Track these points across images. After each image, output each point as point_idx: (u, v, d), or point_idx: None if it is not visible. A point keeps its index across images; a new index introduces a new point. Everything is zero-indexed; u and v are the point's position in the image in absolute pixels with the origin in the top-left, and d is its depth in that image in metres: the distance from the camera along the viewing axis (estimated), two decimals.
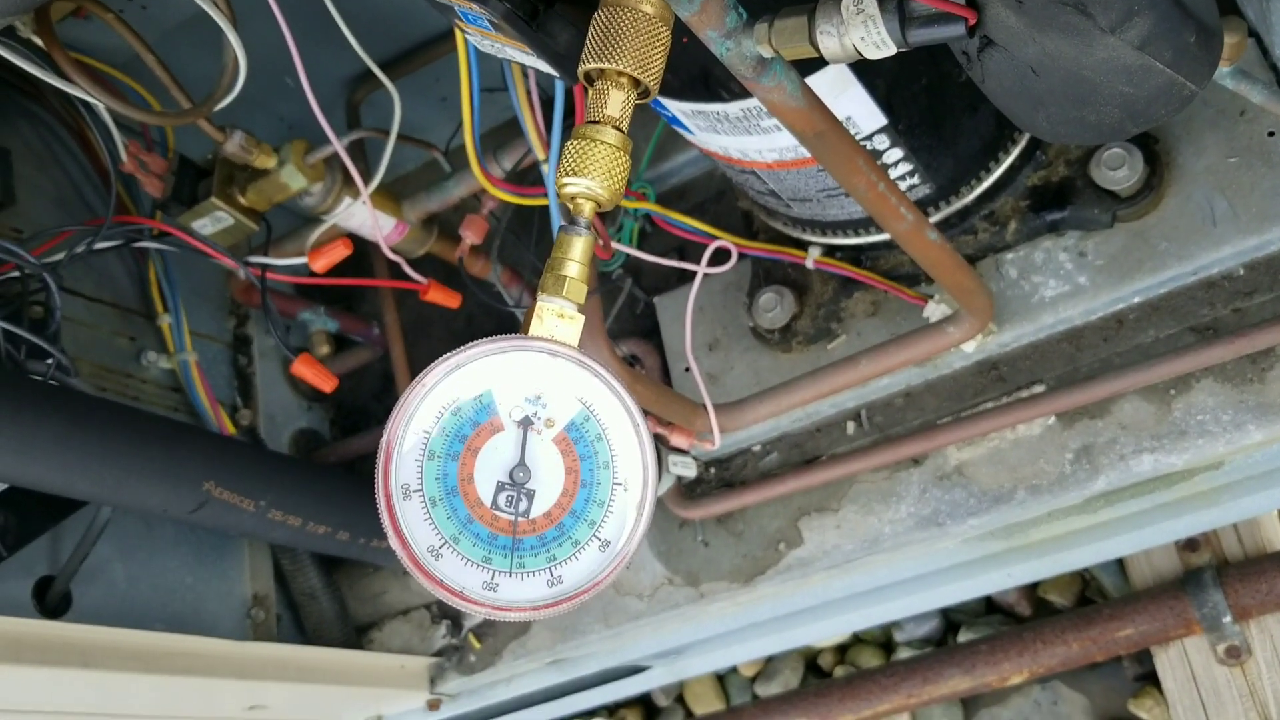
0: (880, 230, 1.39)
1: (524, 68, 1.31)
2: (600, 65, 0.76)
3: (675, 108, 1.21)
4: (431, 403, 0.69)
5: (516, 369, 0.70)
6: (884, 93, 1.17)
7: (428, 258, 1.64)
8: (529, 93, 1.29)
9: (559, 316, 0.72)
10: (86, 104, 1.58)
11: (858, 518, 1.47)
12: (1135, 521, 1.45)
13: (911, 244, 1.13)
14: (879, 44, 0.80)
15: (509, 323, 1.87)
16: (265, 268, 1.37)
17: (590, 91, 0.77)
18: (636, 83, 0.77)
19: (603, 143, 0.74)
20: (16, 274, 1.32)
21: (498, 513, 0.68)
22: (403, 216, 1.53)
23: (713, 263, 1.36)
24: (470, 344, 0.69)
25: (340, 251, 1.34)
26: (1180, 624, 1.61)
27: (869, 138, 1.22)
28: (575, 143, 0.75)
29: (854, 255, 1.46)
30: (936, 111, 1.23)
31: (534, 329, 0.71)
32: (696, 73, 1.13)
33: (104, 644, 1.28)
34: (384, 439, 0.67)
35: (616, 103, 0.76)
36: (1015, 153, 1.35)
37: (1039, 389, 1.40)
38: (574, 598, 0.68)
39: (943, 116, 1.25)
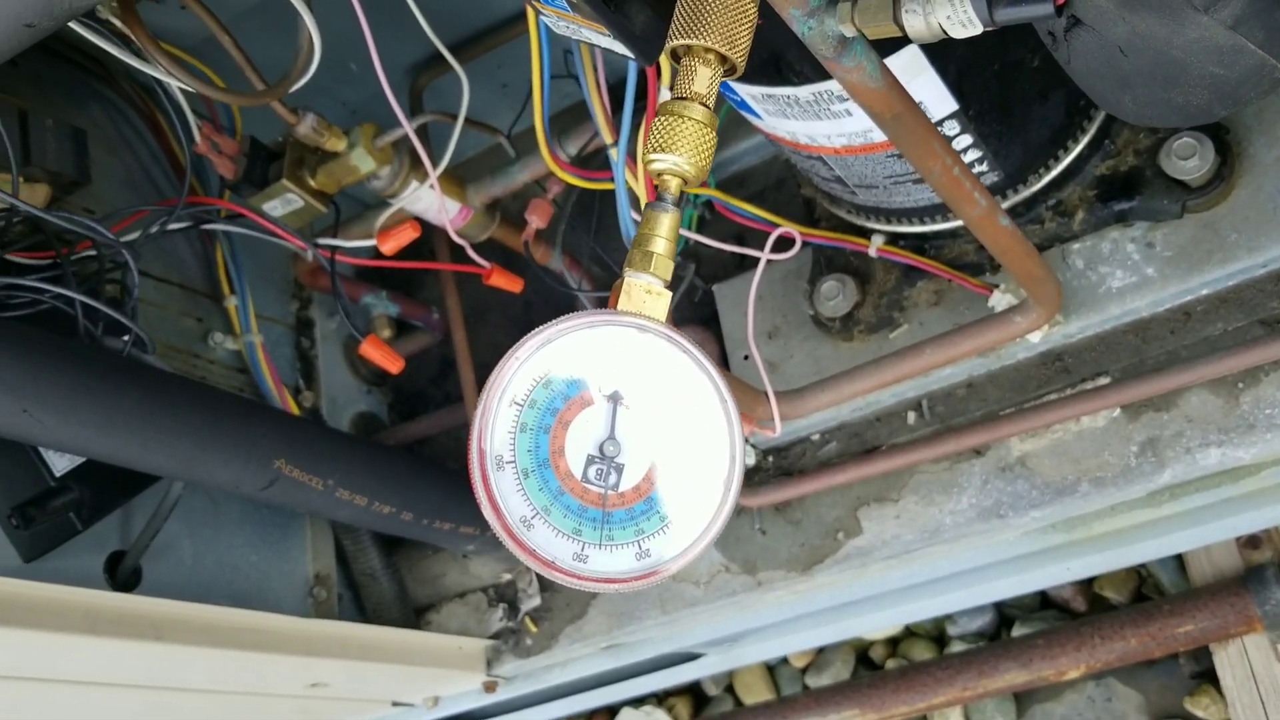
0: (945, 219, 1.38)
1: (593, 52, 1.32)
2: (687, 41, 0.77)
3: (745, 92, 1.21)
4: (523, 376, 0.70)
5: (606, 344, 0.71)
6: (955, 78, 1.17)
7: (488, 242, 1.65)
8: (598, 77, 1.30)
9: (647, 292, 0.73)
10: (157, 87, 1.61)
11: (918, 508, 1.47)
12: (1199, 516, 1.44)
13: (983, 229, 1.12)
14: (965, 22, 0.80)
15: (567, 307, 1.88)
16: (334, 249, 1.38)
17: (677, 68, 0.78)
18: (724, 59, 0.77)
19: (690, 119, 0.75)
20: (93, 252, 1.35)
21: (588, 485, 0.69)
22: (467, 201, 1.54)
23: (776, 249, 1.36)
24: (561, 318, 0.70)
25: (409, 234, 1.36)
26: (1242, 621, 1.59)
27: (939, 123, 1.21)
28: (662, 119, 0.76)
29: (917, 244, 1.46)
30: (1007, 98, 1.23)
31: (622, 304, 0.72)
32: (768, 56, 1.14)
33: (175, 617, 1.31)
34: (478, 411, 0.68)
35: (704, 79, 0.76)
36: (1084, 141, 1.34)
37: (1104, 381, 1.39)
38: (660, 572, 0.69)
39: (1013, 103, 1.24)
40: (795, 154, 1.33)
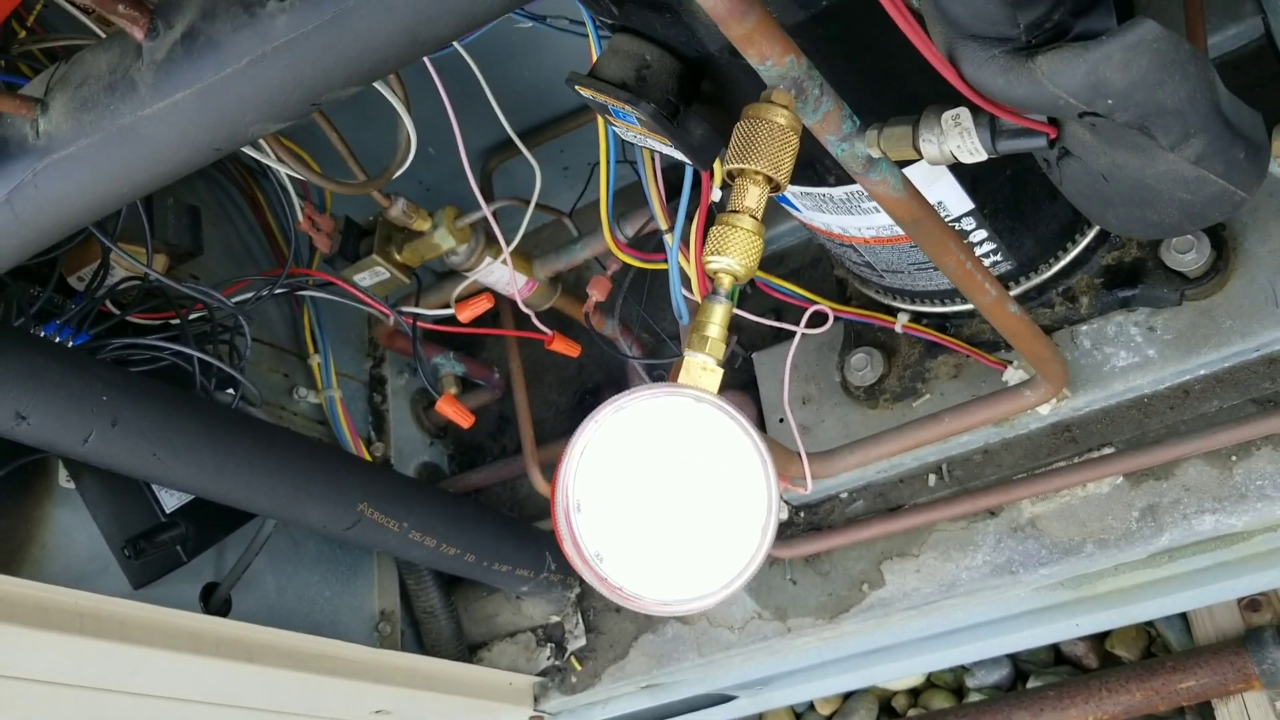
0: (964, 301, 1.53)
1: (653, 152, 1.49)
2: (741, 166, 0.93)
3: (787, 190, 1.37)
4: (598, 441, 0.85)
5: (668, 411, 0.86)
6: (971, 181, 1.32)
7: (549, 311, 1.82)
8: (655, 172, 1.47)
9: (703, 369, 0.88)
10: (256, 166, 1.80)
11: (936, 563, 1.60)
12: (1197, 578, 1.56)
13: (994, 315, 1.27)
14: (972, 151, 0.96)
15: (616, 373, 2.05)
16: (417, 318, 1.55)
17: (732, 186, 0.94)
18: (770, 180, 0.93)
19: (742, 229, 0.91)
20: (203, 314, 1.53)
21: None
22: (533, 274, 1.71)
23: (811, 324, 1.51)
24: (631, 390, 0.85)
25: (484, 304, 1.53)
26: (1240, 678, 1.71)
27: (957, 220, 1.37)
28: (719, 228, 0.92)
29: (939, 322, 1.61)
30: (1019, 198, 1.38)
31: (682, 378, 0.87)
32: (807, 160, 1.30)
33: (264, 642, 1.46)
34: (563, 463, 0.83)
35: (753, 196, 0.92)
36: (1091, 235, 1.49)
37: (1108, 450, 1.52)
38: (706, 600, 0.84)
39: (1024, 202, 1.39)
40: (829, 241, 1.49)
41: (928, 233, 1.13)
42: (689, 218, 1.36)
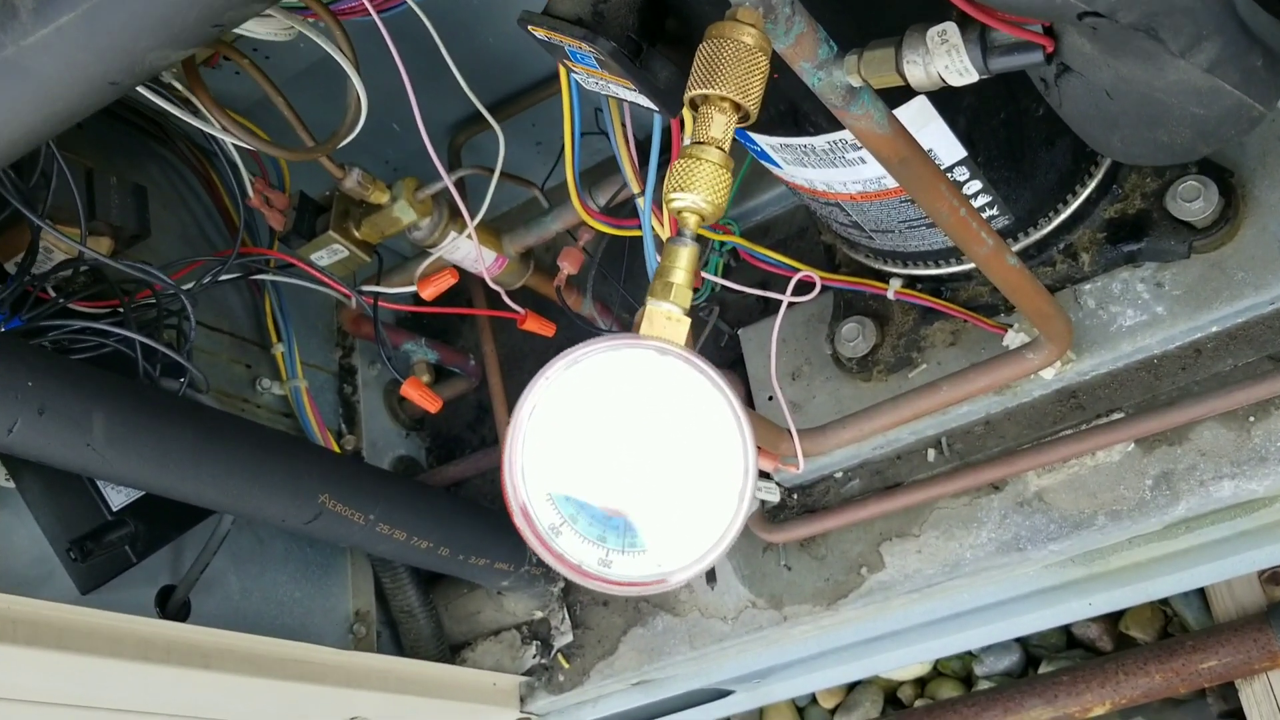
0: (960, 261, 1.44)
1: (621, 108, 1.40)
2: (705, 91, 0.84)
3: (764, 142, 1.28)
4: (549, 401, 0.76)
5: (628, 365, 0.77)
6: (964, 126, 1.23)
7: (523, 290, 1.73)
8: (625, 130, 1.38)
9: (667, 318, 0.79)
10: (213, 145, 1.71)
11: (939, 543, 1.51)
12: (1216, 550, 1.47)
13: (992, 268, 1.18)
14: (962, 71, 0.87)
15: None
16: (377, 296, 1.46)
17: (695, 116, 0.85)
18: (737, 107, 0.84)
19: (707, 161, 0.81)
20: (151, 300, 1.44)
21: None
22: (503, 250, 1.62)
23: (797, 292, 1.42)
24: (587, 341, 0.76)
25: (447, 280, 1.43)
26: (1265, 656, 1.61)
27: (949, 170, 1.28)
28: (682, 161, 0.82)
29: (934, 286, 1.52)
30: (1014, 145, 1.29)
31: (644, 329, 0.78)
32: (785, 108, 1.21)
33: (223, 647, 1.37)
34: (510, 429, 0.74)
35: (719, 125, 0.83)
36: (1091, 186, 1.40)
37: (1118, 416, 1.43)
38: (677, 576, 0.75)
39: (1021, 150, 1.30)
40: (814, 201, 1.40)
41: (917, 175, 1.04)
42: (661, 177, 1.27)
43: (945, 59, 0.86)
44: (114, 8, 0.70)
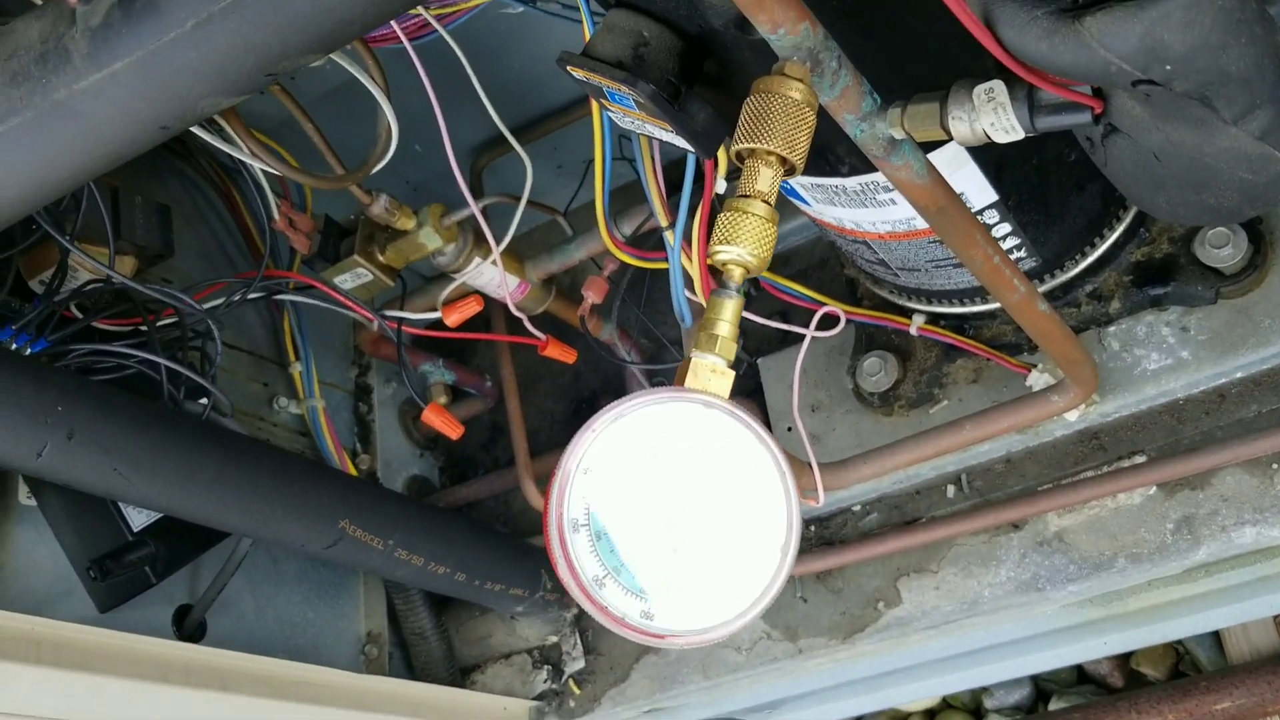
0: (984, 301, 1.44)
1: (651, 141, 1.40)
2: (752, 145, 0.84)
3: (795, 181, 1.28)
4: (597, 449, 0.75)
5: (673, 418, 0.77)
6: (996, 171, 1.23)
7: (542, 315, 1.72)
8: (654, 164, 1.37)
9: (712, 371, 0.79)
10: (239, 167, 1.71)
11: (957, 580, 1.51)
12: (1235, 594, 1.47)
13: (1022, 314, 1.18)
14: (1008, 129, 0.87)
15: (614, 380, 1.95)
16: (401, 321, 1.46)
17: (742, 169, 0.84)
18: (784, 161, 0.84)
19: (753, 214, 0.81)
20: (174, 320, 1.43)
21: None
22: (525, 276, 1.62)
23: (821, 326, 1.42)
24: (633, 395, 0.76)
25: (473, 307, 1.43)
26: (1278, 699, 1.61)
27: (980, 212, 1.28)
28: (728, 215, 0.82)
29: (957, 324, 1.52)
30: (1045, 189, 1.29)
31: (689, 382, 0.78)
32: (818, 148, 1.20)
33: (240, 669, 1.36)
34: (555, 479, 0.74)
35: (766, 179, 0.83)
36: (1120, 230, 1.40)
37: (1140, 459, 1.43)
38: (719, 630, 0.74)
39: (1050, 194, 1.30)
40: (840, 238, 1.40)
41: (953, 223, 1.04)
42: (691, 212, 1.26)
43: (991, 116, 0.86)
44: (168, 56, 0.70)
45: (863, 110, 0.91)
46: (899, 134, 0.92)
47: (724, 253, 0.81)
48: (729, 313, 0.81)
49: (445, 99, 1.37)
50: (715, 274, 0.85)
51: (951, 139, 0.89)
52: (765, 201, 0.82)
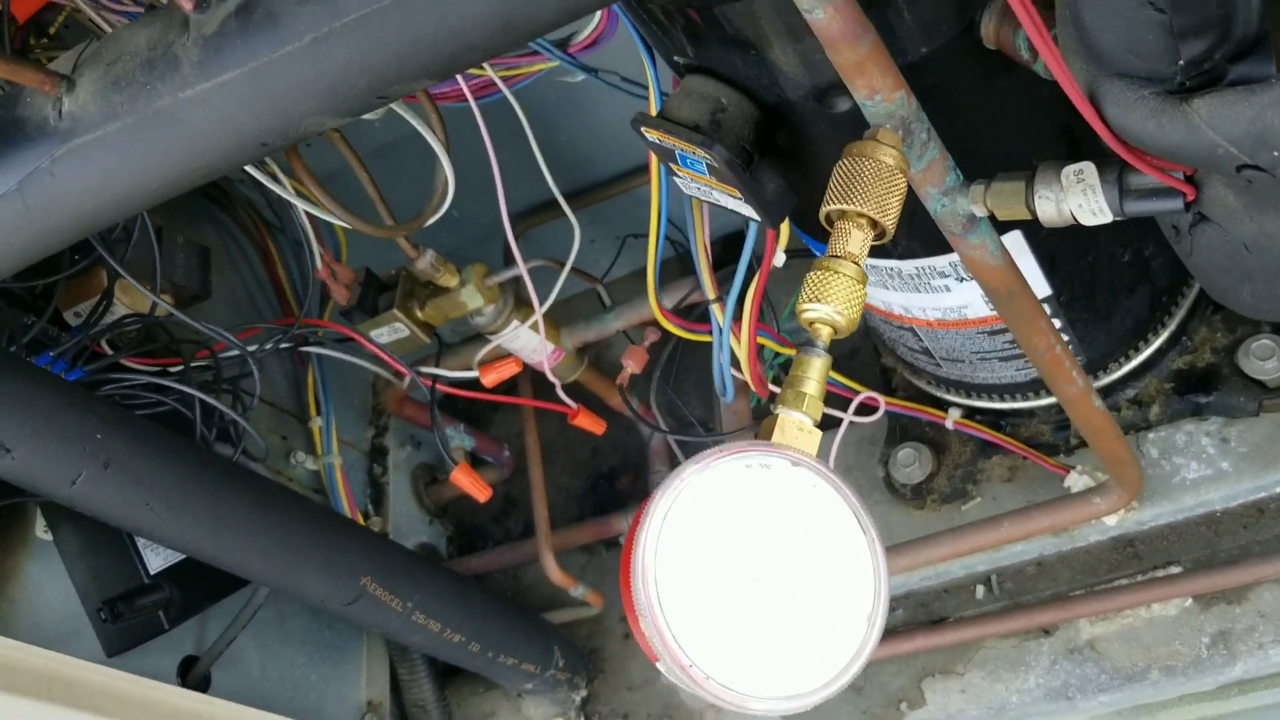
0: (1024, 398, 1.43)
1: (703, 209, 1.40)
2: (842, 207, 0.83)
3: None
4: (682, 504, 0.73)
5: (760, 474, 0.75)
6: (1050, 264, 1.23)
7: (573, 384, 1.71)
8: (705, 235, 1.37)
9: (799, 429, 0.77)
10: (271, 217, 1.71)
11: (984, 684, 1.47)
12: (1269, 714, 1.43)
13: (1076, 409, 1.17)
14: (1096, 212, 0.86)
15: (634, 456, 1.92)
16: (436, 379, 1.44)
17: (832, 230, 0.84)
18: (875, 224, 0.83)
19: (843, 274, 0.81)
20: (205, 362, 1.41)
21: None
22: (560, 343, 1.60)
23: (859, 414, 1.41)
24: (716, 448, 0.74)
25: (511, 368, 1.42)
26: None
27: None
28: (817, 274, 0.81)
29: (994, 420, 1.51)
30: (1095, 288, 1.29)
31: (777, 437, 0.76)
32: None
33: None
34: (639, 543, 0.71)
35: (857, 241, 0.82)
36: (1164, 335, 1.40)
37: (1175, 569, 1.41)
38: (806, 699, 0.71)
39: (1100, 293, 1.30)
40: (886, 324, 1.39)
41: (1021, 308, 1.03)
42: (745, 286, 1.26)
43: (1080, 198, 0.86)
44: (282, 69, 0.70)
45: (946, 185, 0.91)
46: (980, 211, 0.92)
47: (812, 311, 0.80)
48: (816, 371, 0.79)
49: (485, 166, 1.37)
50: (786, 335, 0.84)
51: (1036, 219, 0.89)
52: (855, 263, 0.81)
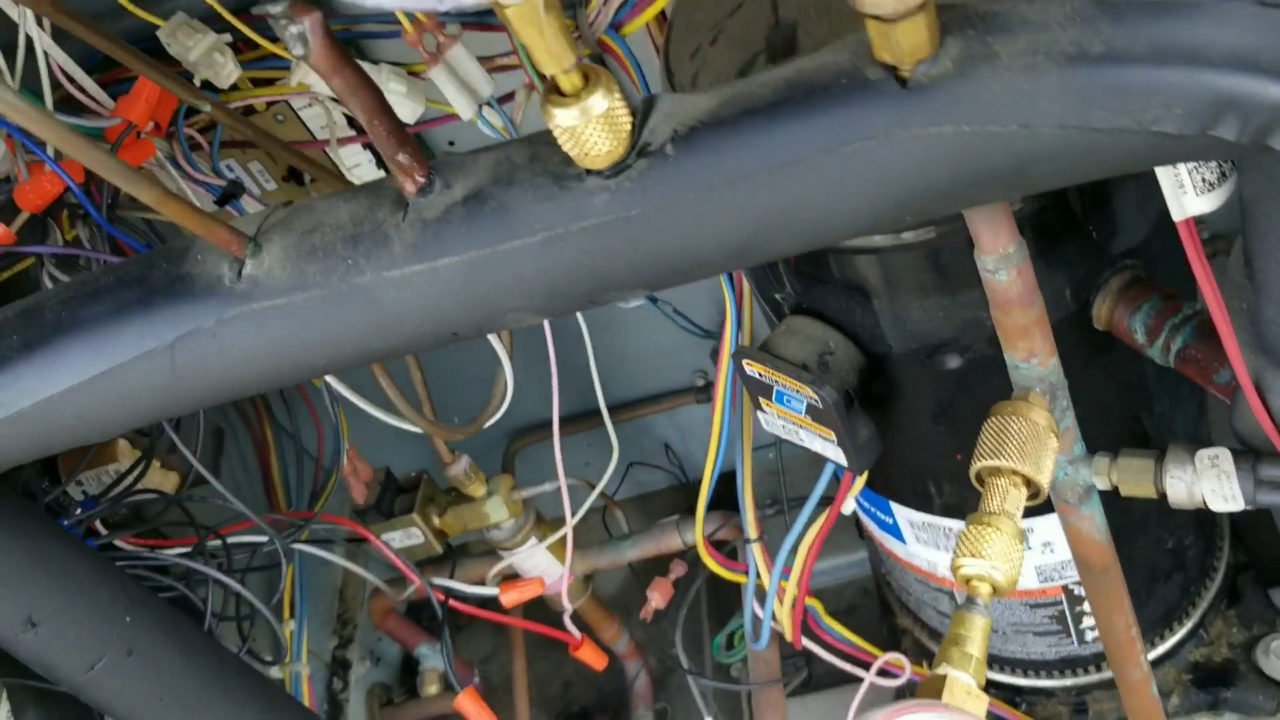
0: (1048, 676, 1.41)
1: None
2: (995, 464, 0.83)
3: (903, 515, 1.27)
4: None
5: None
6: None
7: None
8: (749, 469, 1.36)
9: (967, 693, 0.74)
10: (275, 403, 1.65)
11: None
12: None
13: (1135, 694, 1.16)
14: (1228, 498, 0.88)
15: (610, 697, 1.83)
16: (449, 593, 1.36)
17: (984, 487, 0.83)
18: (1030, 482, 0.83)
19: (1003, 531, 0.79)
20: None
21: None
22: (571, 568, 1.54)
23: (881, 675, 1.37)
24: (901, 703, 0.70)
25: (534, 590, 1.35)
26: None
27: (1078, 583, 1.27)
28: (974, 528, 0.80)
29: (1010, 695, 1.47)
30: (1141, 571, 1.30)
31: (947, 697, 0.73)
32: (920, 482, 1.21)
33: None
34: None
35: (1014, 500, 0.82)
36: (1188, 626, 1.41)
37: None
38: None
39: (1140, 577, 1.31)
40: (922, 584, 1.38)
41: (1112, 585, 1.03)
42: (804, 528, 1.24)
43: (1214, 483, 0.87)
44: (502, 263, 0.67)
45: (1073, 454, 0.92)
46: (1103, 484, 0.93)
47: (969, 566, 0.78)
48: (979, 631, 0.77)
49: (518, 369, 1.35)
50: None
51: (1164, 499, 0.90)
52: (1013, 520, 0.80)
